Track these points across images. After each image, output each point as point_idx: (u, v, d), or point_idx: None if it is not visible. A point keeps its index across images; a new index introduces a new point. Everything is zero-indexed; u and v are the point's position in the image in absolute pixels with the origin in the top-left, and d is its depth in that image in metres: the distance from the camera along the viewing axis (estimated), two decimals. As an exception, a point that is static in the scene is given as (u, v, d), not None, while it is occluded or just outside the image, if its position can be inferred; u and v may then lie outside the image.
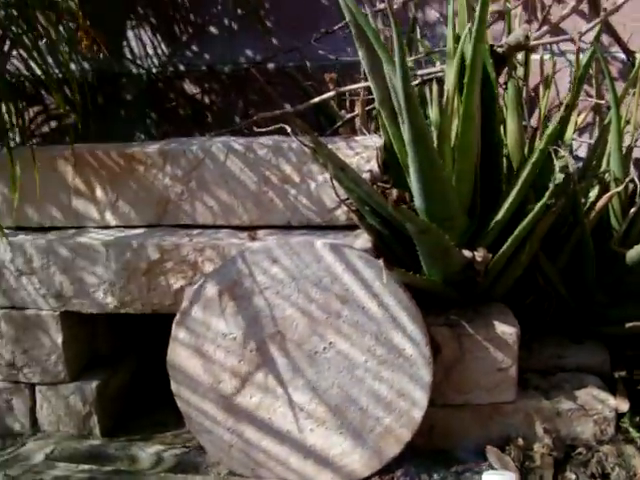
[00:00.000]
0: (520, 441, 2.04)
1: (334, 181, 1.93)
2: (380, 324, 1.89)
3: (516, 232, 1.92)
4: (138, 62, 3.20)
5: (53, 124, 3.29)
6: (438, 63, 2.22)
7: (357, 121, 2.34)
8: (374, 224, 2.02)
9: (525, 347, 2.16)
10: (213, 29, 3.12)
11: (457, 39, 1.97)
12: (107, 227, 2.18)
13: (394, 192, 2.00)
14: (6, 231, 2.20)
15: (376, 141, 2.13)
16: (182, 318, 1.96)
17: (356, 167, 2.04)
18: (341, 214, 2.09)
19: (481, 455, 2.02)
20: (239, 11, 3.08)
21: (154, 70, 3.22)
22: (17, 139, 2.71)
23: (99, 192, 2.16)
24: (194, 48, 3.16)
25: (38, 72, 2.27)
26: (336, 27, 2.53)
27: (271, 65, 3.02)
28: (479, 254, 1.98)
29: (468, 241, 2.04)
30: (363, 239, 2.03)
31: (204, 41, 3.14)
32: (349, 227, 2.10)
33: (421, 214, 1.99)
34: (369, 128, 2.25)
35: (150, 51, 3.24)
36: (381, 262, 1.81)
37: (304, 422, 1.94)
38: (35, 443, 2.18)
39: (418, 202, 1.95)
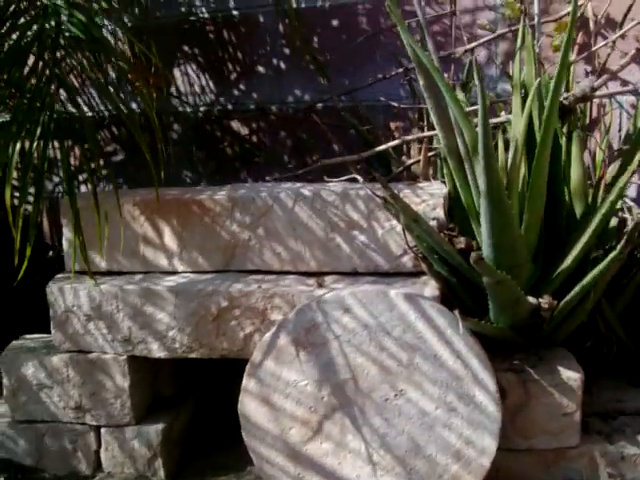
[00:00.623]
0: (585, 487, 2.05)
1: (404, 230, 1.95)
2: (451, 372, 1.91)
3: (586, 280, 1.94)
4: (184, 100, 3.24)
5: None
6: (503, 112, 2.25)
7: (416, 167, 2.37)
8: (442, 272, 2.04)
9: (585, 391, 2.18)
10: (261, 68, 3.16)
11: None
12: (174, 273, 2.20)
13: (462, 240, 2.03)
14: (71, 276, 2.24)
15: (440, 188, 2.15)
16: (253, 369, 1.98)
17: (422, 214, 2.06)
18: (407, 261, 2.12)
19: (547, 501, 2.03)
20: (287, 51, 3.11)
21: (201, 109, 3.25)
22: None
23: (167, 238, 2.19)
24: (242, 87, 3.20)
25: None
26: (394, 73, 2.57)
27: (319, 105, 3.04)
28: (544, 301, 2.00)
29: (532, 288, 2.06)
30: (431, 286, 2.05)
31: (252, 80, 3.17)
32: (415, 274, 2.12)
33: (489, 262, 2.01)
34: (429, 175, 2.27)
35: (197, 90, 3.28)
36: (457, 312, 1.83)
37: (373, 469, 1.95)
38: (101, 486, 2.20)
39: (487, 251, 1.97)
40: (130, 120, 2.04)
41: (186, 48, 3.30)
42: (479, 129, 1.67)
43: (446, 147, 2.02)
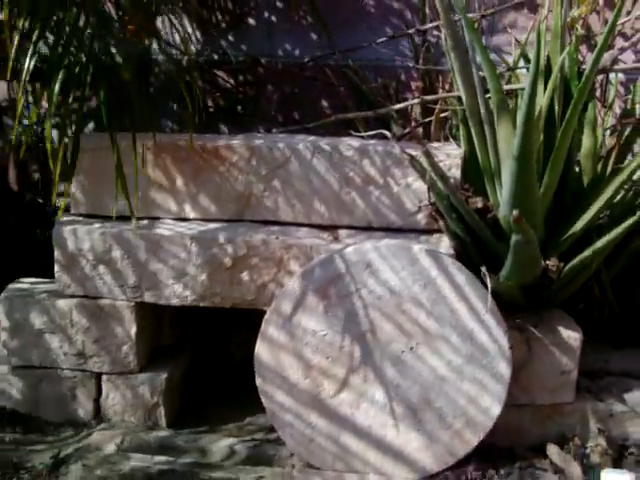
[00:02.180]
0: (577, 440, 2.15)
1: (429, 187, 1.98)
2: (467, 328, 1.97)
3: (598, 245, 2.02)
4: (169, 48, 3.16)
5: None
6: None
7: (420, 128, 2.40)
8: (458, 231, 2.08)
9: (575, 351, 2.28)
10: (252, 20, 3.12)
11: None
12: (185, 219, 2.17)
13: (479, 200, 2.08)
14: (79, 218, 2.18)
15: (455, 149, 2.19)
16: (273, 314, 1.99)
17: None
18: (421, 218, 2.15)
19: (540, 452, 2.12)
20: (279, 4, 3.08)
21: (185, 58, 3.18)
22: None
23: (179, 184, 2.15)
24: (230, 38, 3.14)
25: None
26: (404, 33, 2.58)
27: (309, 62, 3.03)
28: (552, 263, 2.08)
29: (540, 250, 2.13)
30: (445, 244, 2.10)
31: (241, 32, 3.12)
32: (428, 231, 2.16)
33: (504, 223, 2.07)
34: (440, 136, 2.31)
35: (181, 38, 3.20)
36: (484, 269, 1.89)
37: (384, 419, 2.00)
38: (101, 433, 2.17)
39: (505, 211, 2.03)
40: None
41: (173, -6, 3.21)
42: (526, 92, 1.71)
43: (468, 109, 2.05)
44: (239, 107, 3.08)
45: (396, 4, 2.92)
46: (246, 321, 2.42)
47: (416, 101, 2.26)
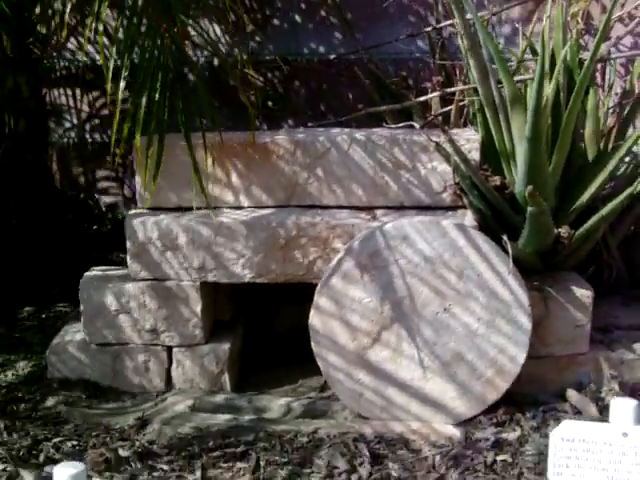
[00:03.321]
0: (592, 385, 2.44)
1: (454, 169, 2.28)
2: (492, 289, 2.25)
3: (603, 213, 2.31)
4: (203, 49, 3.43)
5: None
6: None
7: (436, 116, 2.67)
8: (480, 206, 2.37)
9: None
10: (277, 21, 3.39)
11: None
12: (240, 208, 2.47)
13: (497, 179, 2.37)
14: (146, 211, 2.47)
15: (474, 134, 2.47)
16: (323, 287, 2.28)
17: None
18: (446, 197, 2.44)
19: (561, 397, 2.41)
20: (303, 5, 3.35)
21: (216, 59, 3.45)
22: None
23: (233, 177, 2.45)
24: (257, 39, 3.42)
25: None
26: (422, 31, 2.86)
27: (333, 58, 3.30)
28: (564, 231, 2.36)
29: (552, 219, 2.42)
30: (469, 218, 2.38)
31: (268, 32, 3.40)
32: (453, 208, 2.45)
33: (520, 197, 2.36)
34: (459, 123, 2.59)
35: (211, 40, 3.48)
36: (505, 237, 2.18)
37: (423, 372, 2.29)
38: (174, 398, 2.47)
39: (520, 187, 2.32)
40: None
41: (202, -2, 3.47)
42: (534, 84, 2.00)
43: (484, 98, 2.34)
44: (270, 103, 3.35)
45: (413, 3, 3.19)
46: (288, 296, 2.75)
47: (438, 93, 2.54)
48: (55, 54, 3.56)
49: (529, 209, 2.16)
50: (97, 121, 3.70)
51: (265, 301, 2.83)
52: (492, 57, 2.27)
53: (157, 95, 2.22)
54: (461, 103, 2.57)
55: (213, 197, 2.46)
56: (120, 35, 2.42)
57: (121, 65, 2.30)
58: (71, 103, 3.75)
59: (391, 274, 2.25)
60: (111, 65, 2.31)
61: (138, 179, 2.47)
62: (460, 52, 2.61)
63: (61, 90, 3.73)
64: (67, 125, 3.77)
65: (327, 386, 2.53)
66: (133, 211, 2.50)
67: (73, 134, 3.75)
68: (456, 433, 2.26)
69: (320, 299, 2.28)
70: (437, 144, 2.24)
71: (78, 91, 3.75)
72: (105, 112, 3.69)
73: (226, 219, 2.39)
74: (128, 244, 2.43)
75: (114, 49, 2.49)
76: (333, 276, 2.27)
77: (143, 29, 2.36)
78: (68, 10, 2.55)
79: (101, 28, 2.41)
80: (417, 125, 2.22)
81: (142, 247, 2.42)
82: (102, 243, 3.35)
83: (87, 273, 2.58)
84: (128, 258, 2.44)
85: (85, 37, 2.94)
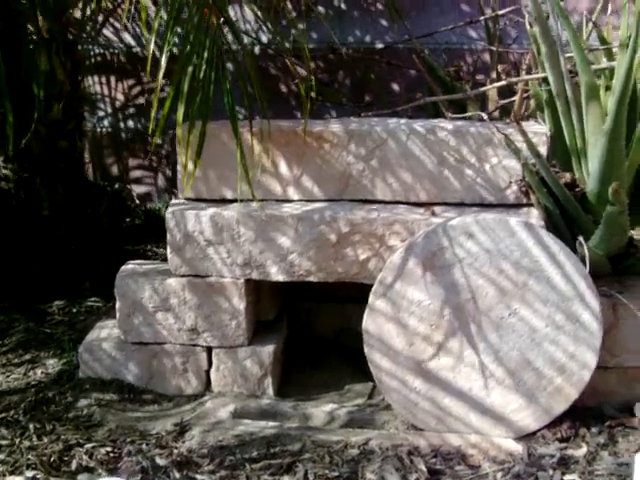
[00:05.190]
0: (663, 400, 2.26)
1: (524, 165, 2.11)
2: (561, 293, 2.08)
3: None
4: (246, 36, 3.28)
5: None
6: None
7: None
8: (547, 204, 2.20)
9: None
10: (321, 8, 3.23)
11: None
12: (289, 201, 2.31)
13: (567, 175, 2.20)
14: (187, 202, 2.32)
15: (541, 128, 2.30)
16: (380, 288, 2.12)
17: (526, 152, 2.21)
18: (510, 194, 2.27)
19: (628, 412, 2.24)
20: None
21: (257, 47, 3.31)
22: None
23: (283, 168, 2.29)
24: (301, 26, 3.26)
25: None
26: (483, 17, 2.69)
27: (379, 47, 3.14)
28: (637, 232, 2.19)
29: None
30: (534, 217, 2.21)
31: (312, 20, 3.24)
32: (516, 206, 2.28)
33: (591, 196, 2.19)
34: (523, 115, 2.42)
35: (253, 27, 3.33)
36: (581, 238, 2.01)
37: (485, 381, 2.13)
38: (213, 402, 2.32)
39: (593, 185, 2.15)
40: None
41: (243, -15, 3.33)
42: (621, 71, 1.83)
43: (556, 91, 2.17)
44: (313, 93, 3.19)
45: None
46: (328, 295, 2.60)
47: (504, 82, 2.37)
48: (90, 40, 3.42)
49: (609, 208, 1.99)
50: (132, 110, 3.55)
51: (304, 300, 2.68)
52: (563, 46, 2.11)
53: (202, 72, 2.05)
54: (525, 95, 2.40)
55: (260, 189, 2.30)
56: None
57: (162, 48, 2.13)
58: (105, 91, 3.61)
59: (454, 274, 2.09)
60: (150, 50, 2.15)
61: (179, 168, 2.31)
62: (516, 43, 2.45)
63: (95, 78, 3.60)
64: (101, 114, 3.63)
65: (375, 393, 2.40)
66: (174, 201, 2.34)
67: (107, 123, 3.61)
68: (518, 448, 2.09)
69: (376, 301, 2.13)
70: (507, 137, 2.07)
71: (113, 79, 3.62)
72: (140, 101, 3.55)
73: (275, 212, 2.23)
74: (168, 237, 2.28)
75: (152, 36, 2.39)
76: (391, 276, 2.11)
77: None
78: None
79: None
80: (485, 116, 2.04)
81: (183, 240, 2.27)
82: (135, 236, 3.21)
83: (123, 267, 2.43)
84: (168, 252, 2.29)
85: (123, 20, 2.82)
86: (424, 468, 2.00)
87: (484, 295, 2.10)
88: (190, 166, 2.14)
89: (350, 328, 2.53)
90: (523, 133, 2.00)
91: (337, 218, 2.20)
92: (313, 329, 2.70)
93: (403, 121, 2.30)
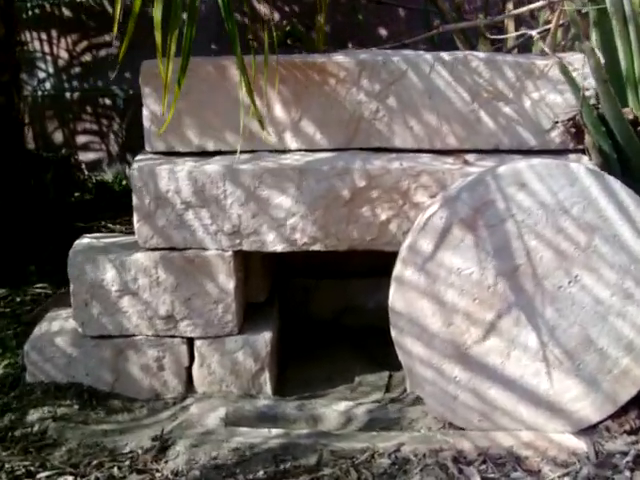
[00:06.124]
0: None
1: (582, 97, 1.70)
2: (631, 254, 1.70)
3: None
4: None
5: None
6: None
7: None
8: (605, 147, 1.81)
9: None
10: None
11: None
12: (286, 151, 1.86)
13: (629, 112, 1.81)
14: (157, 157, 1.85)
15: (581, 58, 1.90)
16: (409, 255, 1.69)
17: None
18: (555, 136, 1.88)
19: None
20: None
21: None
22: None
23: (278, 110, 1.83)
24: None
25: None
26: None
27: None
28: None
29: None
30: (586, 163, 1.82)
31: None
32: (562, 151, 1.89)
33: (656, 134, 1.81)
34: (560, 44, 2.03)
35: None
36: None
37: (538, 366, 1.73)
38: (199, 406, 1.87)
39: (661, 121, 1.76)
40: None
41: None
42: None
43: (611, 5, 1.78)
44: (289, 40, 2.74)
45: None
46: (326, 270, 2.23)
47: (542, 3, 1.96)
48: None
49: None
50: (77, 69, 3.04)
51: (301, 276, 2.25)
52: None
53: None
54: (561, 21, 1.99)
55: (251, 137, 1.84)
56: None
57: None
58: (46, 48, 3.09)
59: (504, 234, 1.68)
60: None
61: (145, 112, 1.83)
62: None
63: (34, 33, 3.07)
64: (42, 75, 3.11)
65: (392, 383, 2.02)
66: (140, 156, 1.86)
67: (49, 85, 3.09)
68: (581, 445, 1.72)
69: (405, 271, 1.70)
70: (562, 64, 1.66)
71: (55, 33, 3.09)
72: (87, 58, 3.05)
73: (270, 164, 1.78)
74: (135, 200, 1.81)
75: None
76: (422, 239, 1.68)
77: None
78: None
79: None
80: (534, 33, 1.62)
81: (154, 204, 1.80)
82: (86, 211, 2.72)
83: (78, 241, 1.95)
84: (135, 220, 1.83)
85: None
86: (479, 479, 1.58)
87: (539, 259, 1.70)
88: (158, 110, 1.66)
89: (355, 307, 2.20)
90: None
91: (351, 170, 1.76)
92: (309, 310, 2.27)
93: (419, 52, 1.87)
